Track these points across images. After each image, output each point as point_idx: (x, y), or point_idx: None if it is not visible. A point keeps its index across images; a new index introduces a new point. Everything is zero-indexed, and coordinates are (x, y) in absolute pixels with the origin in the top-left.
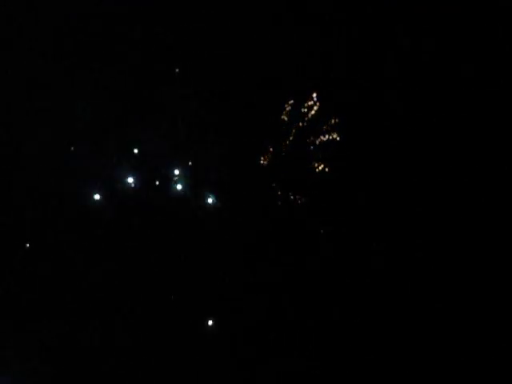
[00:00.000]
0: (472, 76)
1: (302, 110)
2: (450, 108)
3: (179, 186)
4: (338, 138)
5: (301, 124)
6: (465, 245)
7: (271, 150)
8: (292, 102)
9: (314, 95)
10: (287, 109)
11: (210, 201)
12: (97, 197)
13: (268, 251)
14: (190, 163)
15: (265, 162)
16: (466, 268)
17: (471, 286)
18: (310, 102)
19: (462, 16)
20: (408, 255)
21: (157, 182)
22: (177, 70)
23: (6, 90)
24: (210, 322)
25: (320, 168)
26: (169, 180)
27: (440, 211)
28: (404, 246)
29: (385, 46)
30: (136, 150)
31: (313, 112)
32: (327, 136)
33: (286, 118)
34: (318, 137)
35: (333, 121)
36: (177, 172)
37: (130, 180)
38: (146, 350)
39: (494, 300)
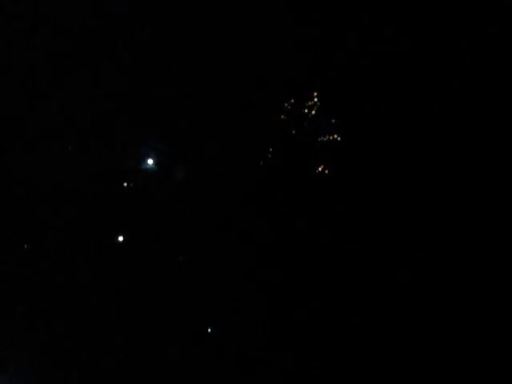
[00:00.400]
0: (472, 76)
1: (303, 110)
2: (451, 108)
3: (178, 186)
4: (338, 139)
5: (301, 124)
6: (465, 245)
7: (271, 150)
8: (292, 101)
9: (315, 95)
10: (287, 108)
11: (209, 201)
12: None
13: (267, 251)
14: (189, 164)
15: (264, 162)
16: (466, 268)
17: (471, 285)
18: (311, 102)
19: (461, 16)
20: (408, 255)
21: (156, 183)
22: (176, 69)
23: (6, 89)
24: (210, 323)
25: (320, 169)
26: (168, 180)
27: (440, 211)
28: (404, 245)
29: (385, 45)
30: (135, 151)
31: (313, 112)
32: (327, 136)
33: (285, 118)
34: (319, 137)
35: (333, 121)
36: (176, 172)
37: (129, 180)
38: (146, 350)
39: (494, 300)
